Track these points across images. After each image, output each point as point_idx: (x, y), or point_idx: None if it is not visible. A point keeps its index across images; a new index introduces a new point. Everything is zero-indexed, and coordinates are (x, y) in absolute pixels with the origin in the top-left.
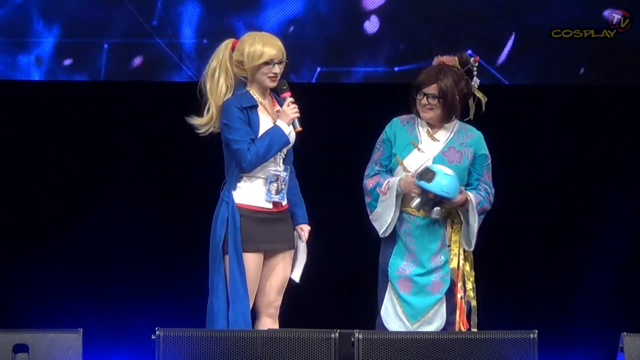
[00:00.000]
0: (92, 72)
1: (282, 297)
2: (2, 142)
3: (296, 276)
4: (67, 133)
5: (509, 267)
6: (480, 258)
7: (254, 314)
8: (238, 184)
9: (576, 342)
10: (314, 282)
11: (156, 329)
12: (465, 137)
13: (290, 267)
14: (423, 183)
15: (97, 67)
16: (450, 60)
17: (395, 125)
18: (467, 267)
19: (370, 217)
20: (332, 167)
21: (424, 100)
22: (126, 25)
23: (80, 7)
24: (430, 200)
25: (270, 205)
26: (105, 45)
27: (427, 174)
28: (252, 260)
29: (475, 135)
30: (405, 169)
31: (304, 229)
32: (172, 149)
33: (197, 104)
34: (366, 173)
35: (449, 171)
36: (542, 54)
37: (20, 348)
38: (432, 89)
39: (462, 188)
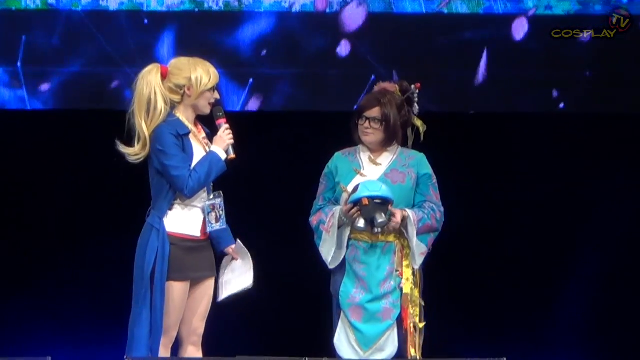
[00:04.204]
0: (62, 100)
1: (204, 324)
2: None
3: (248, 282)
4: (34, 162)
5: (478, 293)
6: (449, 285)
7: (177, 342)
8: (169, 212)
9: None
10: (282, 308)
11: (125, 357)
12: (407, 159)
13: (212, 293)
14: (352, 196)
15: (68, 96)
16: (392, 87)
17: (337, 158)
18: (416, 293)
19: (319, 250)
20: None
21: (366, 124)
22: (95, 55)
23: (47, 37)
24: (369, 209)
25: (199, 234)
26: (75, 74)
27: (354, 191)
28: (179, 289)
29: (417, 156)
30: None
31: (233, 248)
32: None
33: None
34: (312, 210)
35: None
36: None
37: None
38: (374, 112)
39: (402, 209)
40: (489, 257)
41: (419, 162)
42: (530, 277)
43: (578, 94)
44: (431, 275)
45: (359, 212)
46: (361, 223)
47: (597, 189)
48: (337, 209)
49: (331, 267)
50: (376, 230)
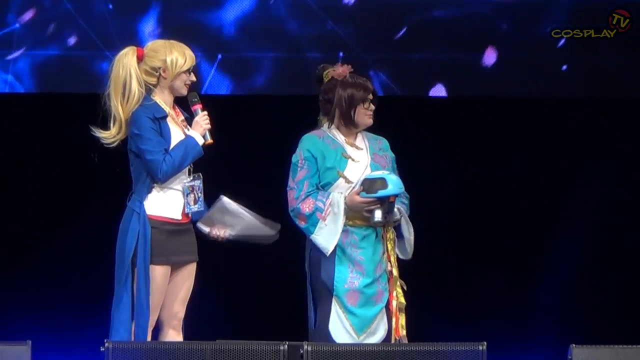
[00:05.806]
0: (43, 83)
1: (185, 309)
2: None
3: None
4: (14, 146)
5: (458, 278)
6: (429, 269)
7: (157, 326)
8: (149, 195)
9: (525, 354)
10: (261, 293)
11: (105, 340)
12: (378, 143)
13: (193, 277)
14: (381, 192)
15: (49, 79)
16: (348, 68)
17: (314, 142)
18: (396, 273)
19: (312, 237)
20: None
21: (371, 107)
22: (76, 39)
23: (28, 19)
24: (391, 205)
25: (180, 217)
26: (55, 57)
27: (375, 184)
28: (161, 272)
29: (384, 140)
30: (347, 181)
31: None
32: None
33: None
34: (295, 196)
35: (384, 171)
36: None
37: None
38: (373, 95)
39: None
40: (469, 243)
41: (388, 146)
42: (510, 262)
43: (551, 78)
44: (411, 260)
45: (378, 206)
46: (379, 216)
47: (574, 175)
48: (336, 197)
49: (329, 254)
50: (387, 223)
